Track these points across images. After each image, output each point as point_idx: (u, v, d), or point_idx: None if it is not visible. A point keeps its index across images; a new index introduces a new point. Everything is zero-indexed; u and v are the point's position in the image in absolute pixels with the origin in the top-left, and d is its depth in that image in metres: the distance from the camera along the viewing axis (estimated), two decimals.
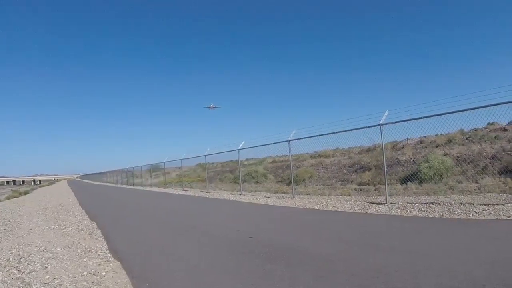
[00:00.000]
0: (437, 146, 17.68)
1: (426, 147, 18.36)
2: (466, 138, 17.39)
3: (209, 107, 69.84)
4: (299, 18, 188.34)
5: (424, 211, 9.63)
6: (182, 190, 28.25)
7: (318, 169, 22.09)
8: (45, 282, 5.50)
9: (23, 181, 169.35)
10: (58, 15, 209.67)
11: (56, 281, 5.50)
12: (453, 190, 12.33)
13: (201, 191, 24.94)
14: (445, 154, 15.65)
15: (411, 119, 11.23)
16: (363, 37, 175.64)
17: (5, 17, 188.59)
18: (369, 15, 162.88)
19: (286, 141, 16.55)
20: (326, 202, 13.01)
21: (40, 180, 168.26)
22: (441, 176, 14.01)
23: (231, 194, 20.73)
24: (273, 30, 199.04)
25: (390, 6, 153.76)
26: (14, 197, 35.73)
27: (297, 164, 23.95)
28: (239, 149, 20.89)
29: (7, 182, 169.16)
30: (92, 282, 5.39)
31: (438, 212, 9.30)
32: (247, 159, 29.50)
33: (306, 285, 4.63)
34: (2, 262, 6.88)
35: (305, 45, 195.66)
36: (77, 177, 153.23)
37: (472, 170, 13.82)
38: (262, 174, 25.44)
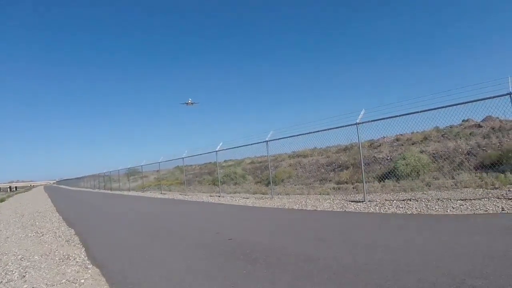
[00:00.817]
0: (413, 144, 17.92)
1: (402, 145, 18.60)
2: (442, 135, 17.67)
3: (187, 103, 66.24)
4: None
5: (402, 207, 9.68)
6: (161, 193, 28.03)
7: (296, 169, 22.14)
8: None
9: None
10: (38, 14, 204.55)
11: None
12: (430, 186, 12.46)
13: (180, 194, 24.70)
14: (421, 151, 15.85)
15: (387, 118, 11.35)
16: (343, 33, 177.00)
17: None
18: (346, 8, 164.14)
19: (264, 141, 16.49)
20: (305, 202, 13.00)
21: (16, 187, 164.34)
22: (418, 173, 14.16)
23: (210, 196, 20.59)
24: (253, 27, 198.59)
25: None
26: None
27: (275, 164, 23.98)
28: (217, 151, 20.72)
29: None
30: None
31: (416, 208, 9.36)
32: (225, 161, 29.48)
33: (287, 285, 4.63)
34: None
35: (282, 45, 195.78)
36: (53, 183, 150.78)
37: (448, 166, 14.02)
38: (241, 175, 25.40)
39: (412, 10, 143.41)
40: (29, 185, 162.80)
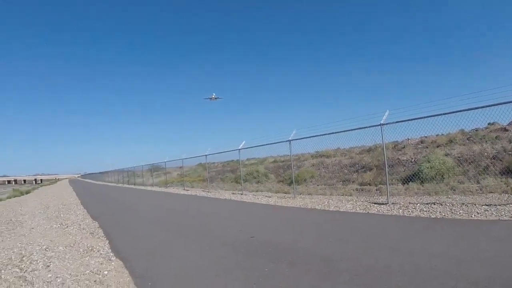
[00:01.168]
0: (438, 146, 17.68)
1: (427, 147, 18.36)
2: (467, 138, 17.41)
3: (210, 98, 65.86)
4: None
5: (426, 211, 9.61)
6: (183, 189, 28.31)
7: (319, 169, 22.09)
8: (48, 280, 5.53)
9: (25, 180, 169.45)
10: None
11: (58, 280, 5.53)
12: (454, 190, 12.33)
13: (203, 191, 24.94)
14: (446, 154, 15.66)
15: (412, 119, 11.22)
16: (366, 31, 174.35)
17: None
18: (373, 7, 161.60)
19: (286, 141, 16.51)
20: (327, 202, 13.02)
21: (41, 180, 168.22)
22: (442, 176, 14.01)
23: (233, 193, 20.74)
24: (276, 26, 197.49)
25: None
26: (16, 196, 35.78)
27: (298, 164, 23.95)
28: (239, 149, 20.89)
29: (9, 182, 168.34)
30: (95, 281, 5.45)
31: (440, 212, 9.29)
32: (248, 159, 29.54)
33: (309, 285, 4.67)
34: (4, 261, 6.91)
35: (307, 42, 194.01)
36: (78, 177, 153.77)
37: (474, 170, 13.82)
38: (263, 173, 25.47)
39: (437, 9, 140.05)
40: (54, 178, 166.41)
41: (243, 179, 21.78)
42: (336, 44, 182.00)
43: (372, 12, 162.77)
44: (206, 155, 25.72)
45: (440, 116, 10.56)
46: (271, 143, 18.34)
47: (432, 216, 9.00)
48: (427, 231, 7.53)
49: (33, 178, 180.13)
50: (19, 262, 6.77)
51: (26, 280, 5.59)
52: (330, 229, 8.51)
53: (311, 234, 8.01)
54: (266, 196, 17.36)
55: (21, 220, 13.64)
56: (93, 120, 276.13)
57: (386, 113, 11.95)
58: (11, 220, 13.96)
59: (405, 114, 11.51)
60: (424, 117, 10.90)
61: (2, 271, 6.19)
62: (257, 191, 20.86)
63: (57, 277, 5.67)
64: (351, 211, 11.03)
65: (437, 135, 18.17)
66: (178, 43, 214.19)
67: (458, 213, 8.98)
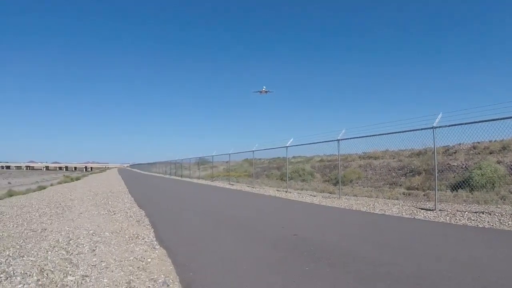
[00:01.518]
0: (490, 153, 17.16)
1: (479, 153, 17.86)
2: None
3: (260, 92, 64.65)
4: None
5: (473, 220, 9.43)
6: (229, 184, 28.94)
7: (366, 170, 21.99)
8: (92, 264, 5.71)
9: (75, 168, 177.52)
10: None
11: (103, 264, 5.72)
12: (504, 200, 12.05)
13: (248, 186, 25.37)
14: (498, 162, 15.21)
15: (466, 123, 10.98)
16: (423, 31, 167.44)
17: None
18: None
19: (335, 140, 16.52)
20: (373, 205, 13.01)
21: (91, 167, 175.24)
22: (493, 184, 13.65)
23: (277, 190, 21.00)
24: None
25: None
26: (66, 182, 37.47)
27: (345, 164, 23.87)
28: (287, 146, 21.11)
29: (60, 168, 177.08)
30: (138, 267, 5.61)
31: (488, 222, 9.12)
32: (294, 157, 29.69)
33: (348, 286, 4.67)
34: (51, 243, 7.15)
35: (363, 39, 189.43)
36: (127, 166, 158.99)
37: None
38: (309, 172, 25.58)
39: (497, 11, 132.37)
40: (104, 166, 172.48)
41: (288, 177, 22.01)
42: (391, 45, 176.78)
43: (426, 11, 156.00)
44: (253, 151, 26.24)
45: (495, 122, 10.32)
46: (319, 142, 18.49)
47: (480, 226, 8.86)
48: (473, 241, 7.44)
49: (83, 165, 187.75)
50: (66, 245, 7.02)
51: (71, 262, 5.77)
52: (373, 232, 8.47)
53: (354, 236, 8.03)
54: (311, 195, 17.52)
55: (70, 205, 14.01)
56: (144, 113, 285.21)
57: (439, 116, 11.79)
58: (60, 204, 14.45)
59: (457, 118, 11.35)
60: (478, 122, 10.66)
61: (49, 252, 6.42)
62: (302, 189, 21.05)
63: (101, 261, 5.87)
64: (397, 215, 10.98)
65: (490, 141, 17.59)
66: (232, 39, 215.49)
67: (507, 224, 8.79)
